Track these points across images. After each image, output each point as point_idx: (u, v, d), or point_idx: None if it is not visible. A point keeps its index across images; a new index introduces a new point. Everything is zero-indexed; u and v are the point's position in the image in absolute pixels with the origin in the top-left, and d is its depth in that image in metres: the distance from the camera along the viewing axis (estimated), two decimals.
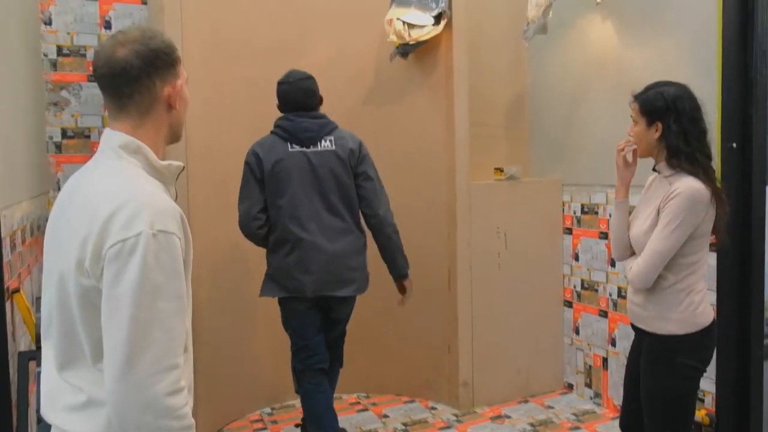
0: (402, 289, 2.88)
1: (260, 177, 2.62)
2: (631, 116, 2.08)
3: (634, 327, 2.18)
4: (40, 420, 2.01)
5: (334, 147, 2.67)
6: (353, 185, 2.71)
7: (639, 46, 3.11)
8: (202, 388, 3.05)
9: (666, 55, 2.95)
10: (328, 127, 2.71)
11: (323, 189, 2.64)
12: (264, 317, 3.39)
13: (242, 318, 3.38)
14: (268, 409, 3.49)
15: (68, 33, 3.19)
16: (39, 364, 1.94)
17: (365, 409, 3.47)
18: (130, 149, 1.20)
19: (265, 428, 3.27)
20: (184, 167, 1.32)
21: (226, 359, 3.28)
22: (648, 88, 2.06)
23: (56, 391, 1.20)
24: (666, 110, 1.99)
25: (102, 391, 1.10)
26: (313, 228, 2.61)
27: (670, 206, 1.95)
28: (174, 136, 1.31)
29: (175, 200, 1.24)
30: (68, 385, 1.18)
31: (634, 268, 2.04)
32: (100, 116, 3.26)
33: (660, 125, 2.00)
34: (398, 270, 2.82)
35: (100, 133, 3.25)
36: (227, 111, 3.24)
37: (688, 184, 1.95)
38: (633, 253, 2.12)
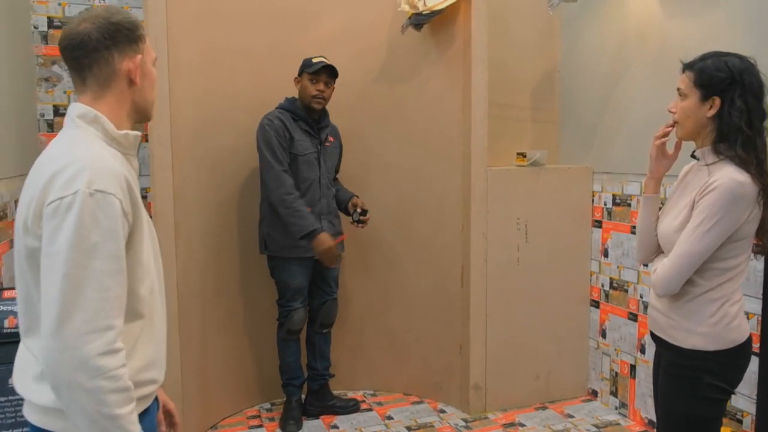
0: None
1: None
2: (679, 89, 1.72)
3: (653, 336, 1.87)
4: None
5: None
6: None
7: (684, 17, 2.71)
8: (196, 382, 2.91)
9: (715, 27, 2.55)
10: None
11: None
12: (263, 308, 3.20)
13: (241, 309, 3.19)
14: (267, 405, 3.32)
15: (60, 4, 3.01)
16: None
17: (369, 409, 3.25)
18: (87, 119, 1.22)
19: (261, 425, 3.10)
20: (142, 136, 1.31)
21: (223, 352, 3.11)
22: (706, 57, 1.70)
23: (21, 360, 1.23)
24: (730, 83, 1.63)
25: None
26: None
27: (706, 201, 1.62)
28: (141, 114, 1.31)
29: (139, 173, 1.30)
30: (29, 354, 1.20)
31: (659, 270, 1.72)
32: None
33: (717, 101, 1.65)
34: None
35: None
36: (224, 84, 3.01)
37: (731, 176, 1.60)
38: (661, 252, 1.81)
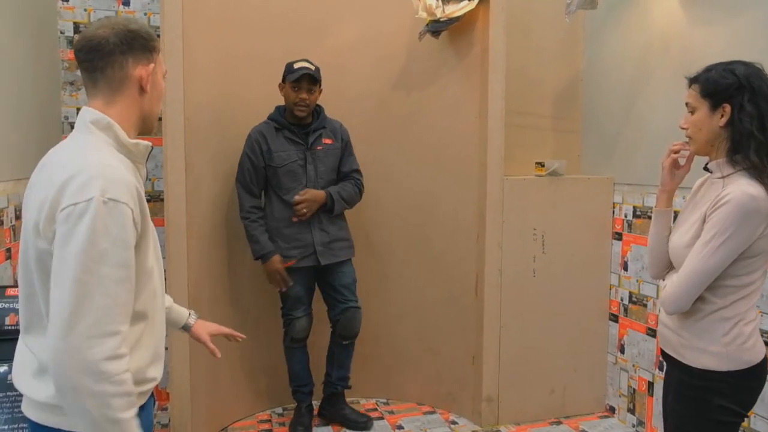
0: None
1: None
2: (687, 104, 1.69)
3: (663, 354, 1.82)
4: None
5: None
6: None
7: (708, 24, 2.63)
8: (205, 384, 2.92)
9: (739, 34, 2.47)
10: None
11: None
12: (276, 312, 3.20)
13: (254, 313, 3.20)
14: (279, 409, 3.32)
15: (85, 9, 3.08)
16: None
17: (380, 418, 3.22)
18: (100, 125, 1.24)
19: (270, 429, 3.10)
20: (152, 147, 1.34)
21: (235, 355, 3.12)
22: (710, 68, 1.66)
23: (21, 357, 1.26)
24: (738, 88, 1.59)
25: None
26: None
27: (717, 216, 1.57)
28: (145, 125, 1.33)
29: (145, 181, 1.33)
30: (28, 351, 1.23)
31: (668, 287, 1.68)
32: None
33: (728, 108, 1.60)
34: None
35: None
36: (240, 90, 3.04)
37: (743, 189, 1.54)
38: (673, 268, 1.75)
